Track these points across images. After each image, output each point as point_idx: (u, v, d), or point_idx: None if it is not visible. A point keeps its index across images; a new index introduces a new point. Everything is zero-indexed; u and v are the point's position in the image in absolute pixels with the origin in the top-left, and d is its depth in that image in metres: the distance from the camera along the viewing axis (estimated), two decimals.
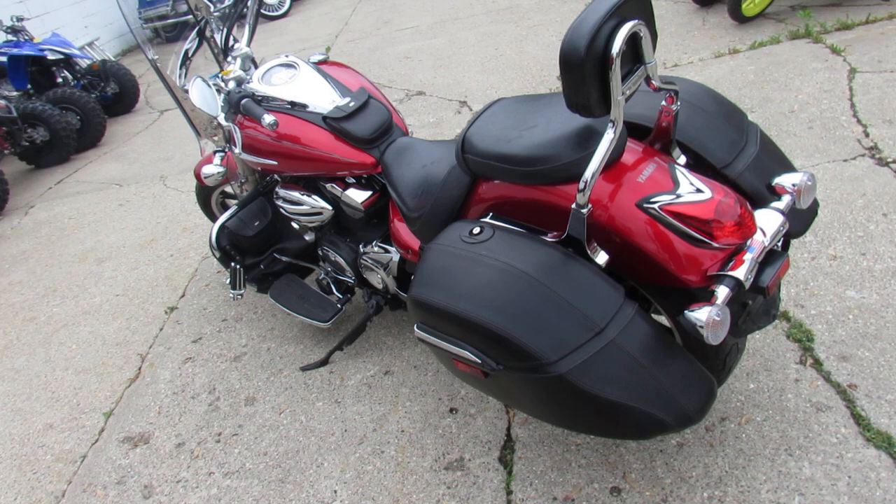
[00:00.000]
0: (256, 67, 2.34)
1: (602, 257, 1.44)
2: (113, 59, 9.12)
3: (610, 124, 1.32)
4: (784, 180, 1.49)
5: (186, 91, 2.30)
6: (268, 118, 1.91)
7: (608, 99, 1.28)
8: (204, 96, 2.11)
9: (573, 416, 1.40)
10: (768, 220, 1.43)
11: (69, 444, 2.31)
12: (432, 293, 1.45)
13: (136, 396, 2.47)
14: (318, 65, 2.32)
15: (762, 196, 1.53)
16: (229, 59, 2.39)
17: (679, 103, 1.51)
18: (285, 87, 2.17)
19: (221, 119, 2.19)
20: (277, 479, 1.97)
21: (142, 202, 4.25)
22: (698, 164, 1.59)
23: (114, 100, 6.46)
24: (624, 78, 1.30)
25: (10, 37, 5.77)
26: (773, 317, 1.54)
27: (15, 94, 5.87)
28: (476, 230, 1.51)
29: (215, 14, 2.44)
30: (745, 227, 1.39)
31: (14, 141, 5.01)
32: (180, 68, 2.40)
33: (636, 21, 1.26)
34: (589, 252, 1.43)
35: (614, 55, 1.23)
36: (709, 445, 1.76)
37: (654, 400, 1.34)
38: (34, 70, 5.86)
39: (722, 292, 1.33)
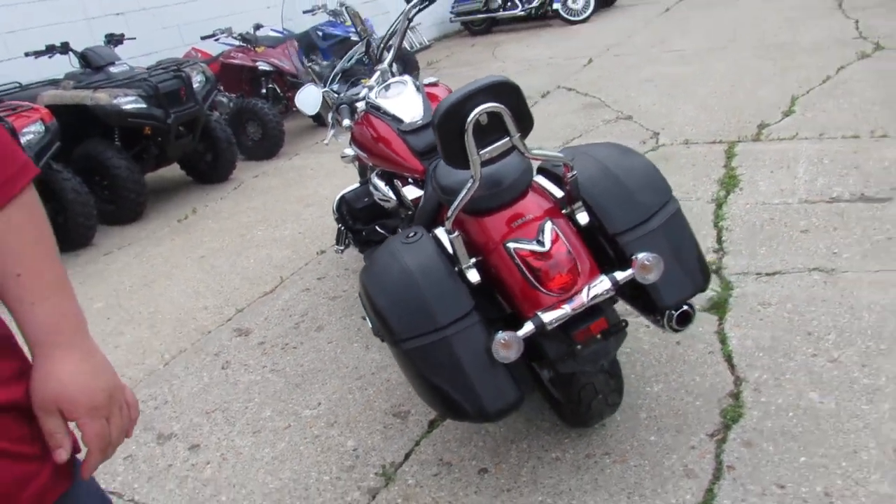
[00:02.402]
0: (393, 75, 3.02)
1: (474, 276, 1.84)
2: (427, 42, 10.62)
3: (470, 179, 1.72)
4: (639, 255, 1.72)
5: (335, 92, 3.06)
6: (345, 122, 2.59)
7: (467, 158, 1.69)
8: (304, 98, 2.83)
9: (416, 387, 1.85)
10: (599, 284, 1.71)
11: (207, 322, 3.31)
12: (365, 273, 1.99)
13: (261, 304, 3.38)
14: (426, 86, 2.92)
15: None
16: (374, 69, 3.11)
17: (574, 173, 1.83)
18: (392, 99, 2.81)
19: (330, 117, 2.91)
20: (295, 384, 2.69)
21: None
22: (600, 226, 1.88)
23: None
24: (488, 144, 1.69)
25: (331, 18, 7.26)
26: (600, 366, 1.79)
27: (325, 63, 7.39)
28: (412, 234, 2.00)
29: (374, 36, 3.18)
30: (569, 283, 1.70)
31: None
32: (336, 75, 3.16)
33: (494, 104, 1.64)
34: (463, 269, 1.84)
35: (467, 125, 1.64)
36: (576, 468, 2.04)
37: (464, 393, 1.73)
38: (340, 47, 7.30)
39: (526, 326, 1.68)
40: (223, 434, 2.48)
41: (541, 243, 1.74)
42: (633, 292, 1.87)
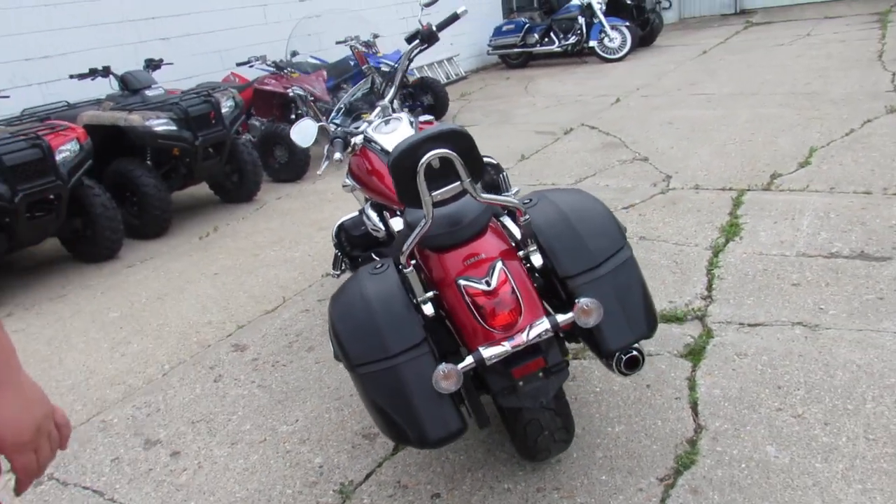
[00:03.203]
0: (394, 111, 3.15)
1: (429, 308, 1.94)
2: (463, 73, 10.85)
3: (423, 218, 1.82)
4: (580, 300, 1.79)
5: (337, 125, 3.22)
6: (336, 155, 2.73)
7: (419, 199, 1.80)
8: (300, 131, 2.97)
9: (368, 410, 1.94)
10: (539, 325, 1.78)
11: (209, 336, 3.46)
12: (332, 298, 2.10)
13: (261, 322, 3.53)
14: (421, 123, 3.05)
15: None
16: (376, 105, 3.25)
17: (527, 217, 1.92)
18: (386, 135, 2.94)
19: (328, 148, 3.06)
20: (278, 400, 2.81)
21: None
22: (553, 269, 1.96)
23: (427, 109, 7.89)
24: (440, 186, 1.79)
25: (363, 49, 7.52)
26: (539, 403, 1.86)
27: None
28: (380, 266, 2.11)
29: (377, 74, 3.33)
30: (511, 322, 1.79)
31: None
32: (341, 109, 3.32)
33: (444, 151, 1.75)
34: (418, 301, 1.94)
35: (419, 168, 1.75)
36: (524, 500, 2.10)
37: (407, 419, 1.82)
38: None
39: (467, 360, 1.77)
40: (203, 443, 2.60)
41: (488, 283, 1.83)
42: (587, 334, 1.94)
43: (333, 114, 3.32)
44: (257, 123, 6.59)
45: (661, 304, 3.11)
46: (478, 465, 2.27)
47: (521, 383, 1.84)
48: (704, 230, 3.85)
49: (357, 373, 1.87)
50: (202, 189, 6.00)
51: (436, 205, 1.81)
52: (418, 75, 8.15)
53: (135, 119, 4.75)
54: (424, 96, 7.80)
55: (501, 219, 2.17)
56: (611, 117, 6.85)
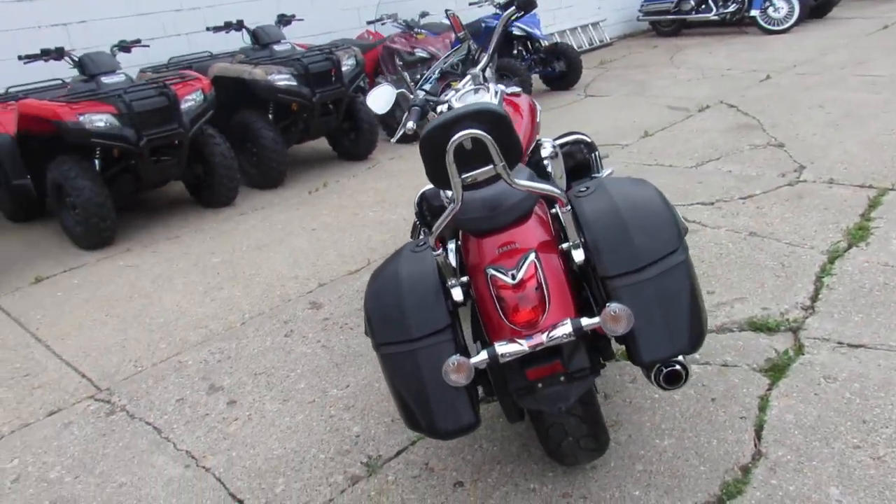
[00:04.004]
0: (486, 80, 3.04)
1: (458, 294, 1.86)
2: (608, 40, 10.39)
3: (452, 201, 1.73)
4: (610, 305, 1.63)
5: (424, 91, 3.15)
6: (410, 124, 2.67)
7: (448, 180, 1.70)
8: (377, 97, 2.91)
9: (390, 392, 1.91)
10: (561, 327, 1.65)
11: (291, 291, 3.58)
12: (372, 274, 2.08)
13: (341, 282, 3.60)
14: (508, 95, 2.91)
15: None
16: (467, 73, 3.14)
17: (569, 208, 1.77)
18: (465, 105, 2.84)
19: (406, 116, 2.99)
20: (336, 363, 2.86)
21: None
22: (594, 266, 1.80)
23: (559, 76, 7.62)
24: (471, 169, 1.69)
25: (497, 11, 7.34)
26: (558, 409, 1.73)
27: None
28: (422, 244, 2.06)
29: (472, 42, 3.21)
30: (533, 320, 1.67)
31: None
32: (433, 75, 3.24)
33: (475, 132, 1.63)
34: (449, 285, 1.86)
35: (448, 148, 1.65)
36: (546, 502, 2.00)
37: (420, 407, 1.77)
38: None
39: (481, 355, 1.68)
40: (258, 395, 2.71)
41: (513, 275, 1.72)
42: (623, 341, 1.78)
43: (424, 79, 3.25)
44: (383, 82, 6.66)
45: (752, 310, 2.82)
46: (509, 459, 2.19)
47: (539, 385, 1.73)
48: (826, 231, 3.43)
49: (380, 352, 1.84)
50: (322, 144, 6.19)
51: (466, 187, 1.71)
52: (557, 39, 7.85)
53: (258, 73, 4.95)
54: (557, 63, 7.52)
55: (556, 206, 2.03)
56: (755, 95, 6.26)
